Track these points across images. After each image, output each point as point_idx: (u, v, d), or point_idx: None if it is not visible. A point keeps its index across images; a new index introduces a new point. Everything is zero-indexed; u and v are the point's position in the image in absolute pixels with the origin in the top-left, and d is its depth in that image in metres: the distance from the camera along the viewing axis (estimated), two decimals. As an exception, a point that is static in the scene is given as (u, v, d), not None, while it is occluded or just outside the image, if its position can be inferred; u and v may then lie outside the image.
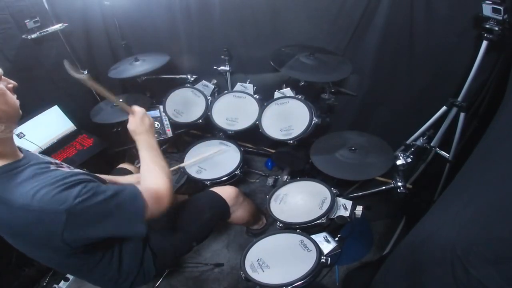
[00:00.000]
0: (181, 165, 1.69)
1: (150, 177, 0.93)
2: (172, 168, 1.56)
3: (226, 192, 1.35)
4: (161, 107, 1.97)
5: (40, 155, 0.90)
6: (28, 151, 0.88)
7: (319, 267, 1.11)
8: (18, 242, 0.80)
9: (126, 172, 1.45)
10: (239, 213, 1.41)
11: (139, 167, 1.93)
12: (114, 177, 1.33)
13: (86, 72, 1.95)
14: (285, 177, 1.81)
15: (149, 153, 0.99)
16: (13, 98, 0.78)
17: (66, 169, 0.88)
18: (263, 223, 1.76)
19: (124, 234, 0.87)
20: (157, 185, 0.90)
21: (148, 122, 1.05)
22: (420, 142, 1.60)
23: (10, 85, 0.80)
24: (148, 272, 1.08)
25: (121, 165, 1.52)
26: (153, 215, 0.85)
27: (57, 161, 0.92)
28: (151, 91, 2.15)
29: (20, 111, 0.81)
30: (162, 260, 1.13)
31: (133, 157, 2.22)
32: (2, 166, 0.75)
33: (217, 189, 1.36)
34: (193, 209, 1.27)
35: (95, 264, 0.93)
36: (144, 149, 1.00)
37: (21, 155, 0.81)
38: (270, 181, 2.01)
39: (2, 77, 0.78)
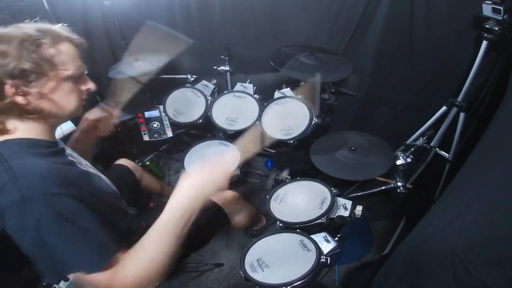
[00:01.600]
0: None
1: (143, 259, 0.68)
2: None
3: (223, 198, 1.31)
4: (161, 107, 1.97)
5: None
6: None
7: (319, 267, 1.11)
8: None
9: (123, 168, 1.42)
10: (239, 218, 1.40)
11: (140, 165, 1.91)
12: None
13: (86, 72, 1.95)
14: (285, 176, 1.80)
15: (177, 224, 0.71)
16: (75, 100, 0.78)
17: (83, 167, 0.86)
18: (262, 224, 1.76)
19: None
20: (137, 274, 0.67)
21: (215, 187, 0.77)
22: (420, 142, 1.60)
23: (86, 87, 0.80)
24: None
25: (119, 161, 1.49)
26: None
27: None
28: (151, 91, 2.15)
29: (78, 112, 0.81)
30: None
31: (133, 157, 2.22)
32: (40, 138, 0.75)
33: (213, 195, 1.32)
34: None
35: None
36: (178, 212, 0.71)
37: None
38: (271, 179, 2.00)
39: (85, 76, 0.79)
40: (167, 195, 1.67)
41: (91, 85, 0.81)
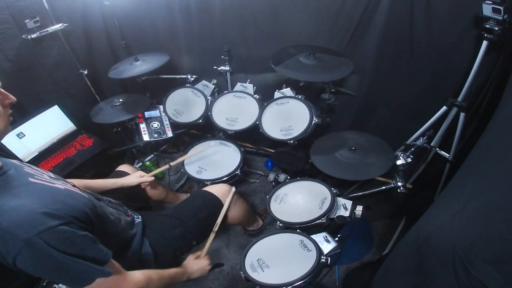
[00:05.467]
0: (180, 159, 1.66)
1: None
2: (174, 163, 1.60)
3: (220, 190, 1.37)
4: (161, 107, 1.98)
5: (18, 164, 0.84)
6: (7, 159, 0.83)
7: (319, 267, 1.11)
8: None
9: (125, 175, 1.44)
10: (234, 211, 1.41)
11: (138, 167, 1.92)
12: (115, 180, 1.35)
13: (86, 71, 1.95)
14: (283, 179, 1.82)
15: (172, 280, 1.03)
16: (3, 120, 0.75)
17: (47, 183, 0.81)
18: (258, 225, 1.77)
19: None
20: None
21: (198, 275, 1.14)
22: (420, 142, 1.60)
23: (7, 101, 0.76)
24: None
25: (120, 168, 1.51)
26: None
27: (38, 170, 0.87)
28: (151, 91, 2.15)
29: (9, 128, 0.78)
30: (163, 259, 1.13)
31: (133, 157, 2.22)
32: None
33: (211, 188, 1.37)
34: (190, 208, 1.29)
35: None
36: (172, 277, 1.04)
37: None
38: (271, 176, 2.00)
39: (1, 90, 0.75)
40: (171, 201, 1.67)
41: (12, 98, 0.77)
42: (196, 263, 1.15)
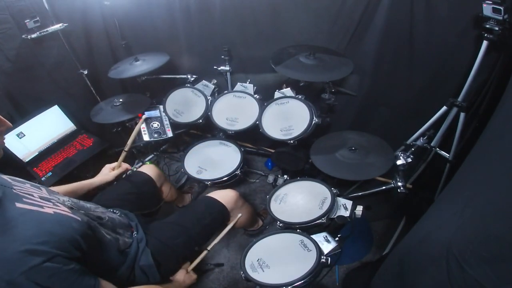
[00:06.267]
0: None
1: None
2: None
3: (226, 196, 1.35)
4: (161, 107, 1.98)
5: (7, 183, 0.79)
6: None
7: (319, 267, 1.11)
8: None
9: (146, 176, 1.40)
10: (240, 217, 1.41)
11: (138, 167, 1.89)
12: (90, 181, 1.27)
13: (86, 71, 1.95)
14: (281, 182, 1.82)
15: None
16: None
17: (35, 208, 0.75)
18: (258, 225, 1.77)
19: None
20: None
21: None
22: (420, 142, 1.60)
23: (3, 127, 0.76)
24: (154, 279, 1.07)
25: (142, 168, 1.47)
26: None
27: (28, 190, 0.82)
28: (151, 91, 2.15)
29: (1, 152, 0.77)
30: (166, 267, 1.12)
31: (133, 157, 2.22)
32: None
33: (216, 194, 1.35)
34: (193, 215, 1.27)
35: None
36: None
37: None
38: (270, 178, 2.01)
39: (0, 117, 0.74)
40: (177, 202, 1.74)
41: (8, 124, 0.77)
42: (188, 277, 1.16)
